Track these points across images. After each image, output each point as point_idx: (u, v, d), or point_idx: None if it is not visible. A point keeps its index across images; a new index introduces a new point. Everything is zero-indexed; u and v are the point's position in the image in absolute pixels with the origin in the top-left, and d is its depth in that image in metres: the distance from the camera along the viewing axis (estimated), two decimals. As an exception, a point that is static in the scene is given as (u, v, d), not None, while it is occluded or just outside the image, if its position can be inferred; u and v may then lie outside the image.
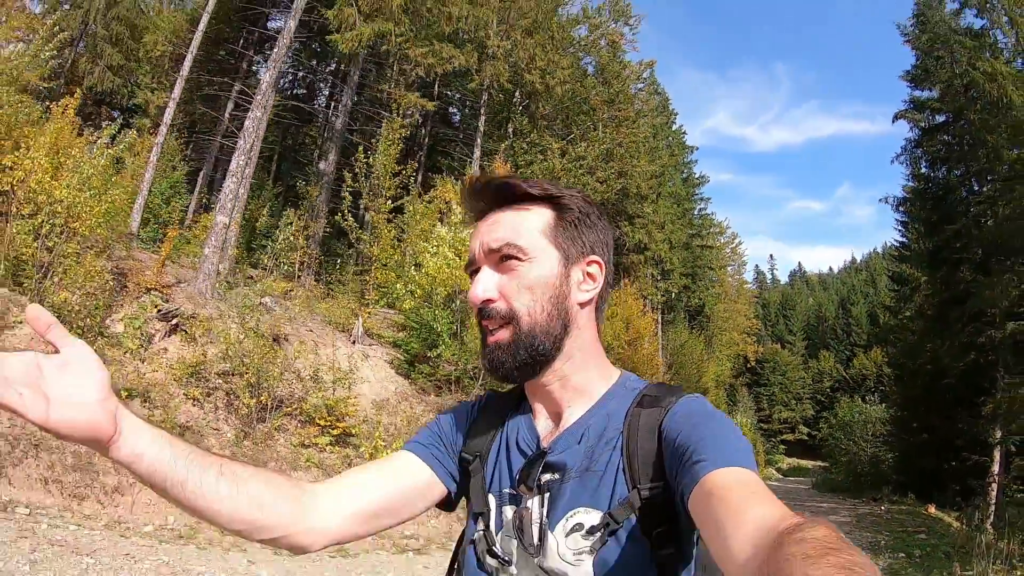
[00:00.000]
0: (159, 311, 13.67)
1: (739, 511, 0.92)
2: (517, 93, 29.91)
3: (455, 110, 35.41)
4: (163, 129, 20.76)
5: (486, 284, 1.32)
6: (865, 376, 65.31)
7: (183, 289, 15.30)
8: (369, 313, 17.52)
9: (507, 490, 1.37)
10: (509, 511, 1.34)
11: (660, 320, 40.38)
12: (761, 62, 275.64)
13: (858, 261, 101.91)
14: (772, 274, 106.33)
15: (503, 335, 1.31)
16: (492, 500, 1.39)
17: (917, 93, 29.85)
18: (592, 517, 1.22)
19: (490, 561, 1.36)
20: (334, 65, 31.38)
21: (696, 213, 51.16)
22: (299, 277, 19.89)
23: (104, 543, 8.56)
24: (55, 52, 17.21)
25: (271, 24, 29.07)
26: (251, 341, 13.26)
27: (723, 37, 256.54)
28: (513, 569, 1.32)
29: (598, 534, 1.20)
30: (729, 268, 58.13)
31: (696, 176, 51.66)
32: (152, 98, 26.05)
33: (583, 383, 1.36)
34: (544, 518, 1.27)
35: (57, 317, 5.99)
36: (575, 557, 1.22)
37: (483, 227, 1.36)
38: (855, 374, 68.46)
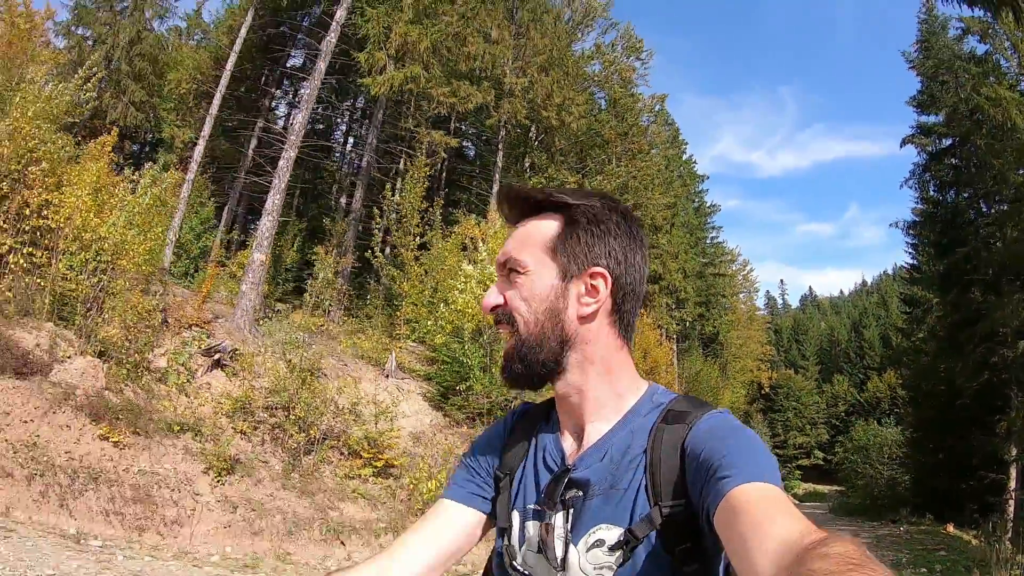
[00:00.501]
0: (205, 347, 14.17)
1: (762, 526, 0.94)
2: (533, 128, 30.49)
3: (469, 144, 36.00)
4: (193, 166, 21.50)
5: (492, 293, 1.39)
6: (879, 399, 64.76)
7: (222, 324, 15.80)
8: (400, 347, 17.97)
9: (531, 506, 1.39)
10: (532, 526, 1.36)
11: (675, 349, 40.72)
12: (766, 86, 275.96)
13: (869, 284, 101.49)
14: (783, 299, 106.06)
15: (510, 344, 1.36)
16: (516, 516, 1.42)
17: (924, 118, 30.15)
18: (613, 534, 1.24)
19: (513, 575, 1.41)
20: (350, 101, 32.11)
21: (708, 241, 51.60)
22: (328, 312, 20.40)
23: (181, 573, 8.98)
24: (94, 93, 17.78)
25: (291, 61, 29.87)
26: (295, 376, 13.75)
27: (727, 63, 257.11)
28: None
29: (619, 551, 1.22)
30: (741, 295, 58.29)
31: (708, 205, 52.19)
32: (178, 133, 26.88)
33: (603, 397, 1.36)
34: (568, 533, 1.29)
35: (103, 352, 8.58)
36: (596, 572, 1.24)
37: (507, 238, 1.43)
38: (869, 397, 67.83)
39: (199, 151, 21.98)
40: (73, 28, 30.59)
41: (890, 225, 32.17)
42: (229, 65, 22.91)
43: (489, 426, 1.66)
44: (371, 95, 23.22)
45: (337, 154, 33.66)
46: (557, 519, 1.31)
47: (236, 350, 14.51)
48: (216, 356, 14.12)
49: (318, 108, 33.47)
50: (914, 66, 30.49)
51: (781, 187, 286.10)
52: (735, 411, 43.26)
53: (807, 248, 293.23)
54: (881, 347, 72.14)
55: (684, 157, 48.69)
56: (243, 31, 23.82)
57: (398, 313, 19.64)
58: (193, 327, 14.77)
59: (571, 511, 1.30)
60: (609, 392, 1.36)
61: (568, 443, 1.41)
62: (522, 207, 1.42)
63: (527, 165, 31.21)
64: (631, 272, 1.37)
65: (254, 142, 26.83)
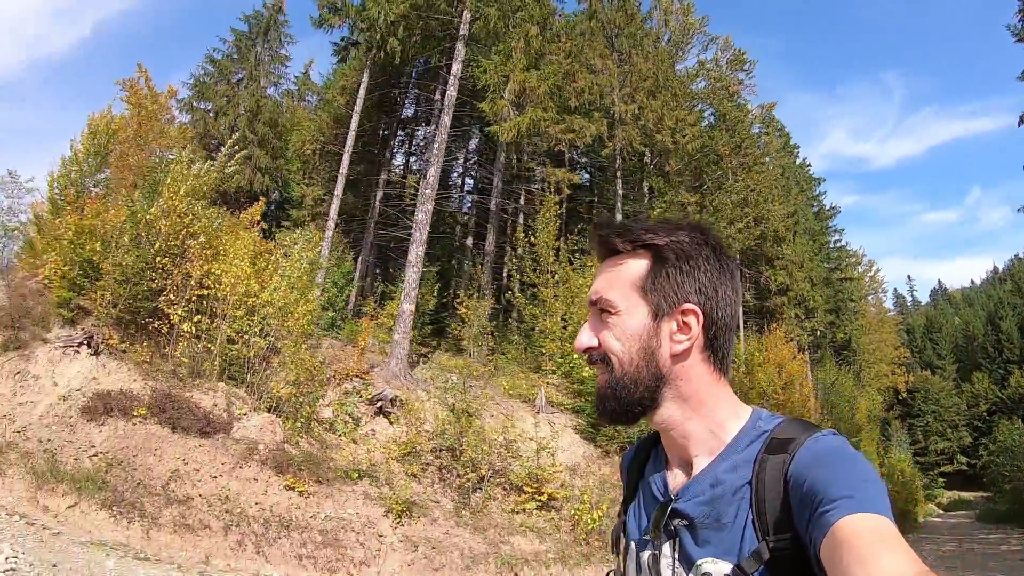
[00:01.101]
0: (371, 397, 14.76)
1: (869, 562, 0.92)
2: (647, 153, 30.55)
3: (585, 174, 36.26)
4: (330, 223, 22.43)
5: (585, 333, 1.38)
6: (1023, 395, 61.65)
7: (378, 373, 16.42)
8: (547, 383, 18.24)
9: (643, 536, 1.41)
10: (646, 556, 1.38)
11: (808, 360, 39.69)
12: (868, 74, 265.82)
13: (1001, 270, 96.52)
14: (912, 296, 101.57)
15: (602, 380, 1.36)
16: (632, 546, 1.45)
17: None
18: (721, 568, 1.22)
19: None
20: (463, 145, 32.86)
21: (832, 246, 50.35)
22: (472, 353, 20.91)
23: None
24: (238, 167, 18.81)
25: (404, 111, 30.92)
26: (459, 419, 14.20)
27: (824, 55, 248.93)
28: None
29: None
30: (870, 297, 56.41)
31: (827, 208, 50.96)
32: (307, 192, 28.08)
33: (700, 431, 1.35)
34: (675, 562, 1.30)
35: (273, 408, 9.56)
36: None
37: (598, 275, 1.42)
38: (1012, 394, 63.95)
39: (334, 209, 23.00)
40: (196, 103, 32.52)
41: (1019, 210, 30.36)
42: (353, 125, 23.91)
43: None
44: (497, 140, 23.70)
45: (455, 197, 34.40)
46: (665, 548, 1.33)
47: (397, 397, 15.04)
48: (379, 404, 14.68)
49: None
50: (1021, 38, 28.94)
51: (897, 177, 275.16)
52: (873, 419, 41.80)
53: (932, 239, 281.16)
54: (1020, 339, 68.44)
55: (798, 162, 47.78)
56: (362, 91, 24.76)
57: (541, 350, 19.92)
58: (353, 378, 15.40)
59: (677, 540, 1.31)
60: (706, 425, 1.35)
61: (674, 475, 1.41)
62: (611, 245, 1.40)
63: (646, 190, 31.24)
64: (722, 306, 1.36)
65: (379, 193, 27.80)
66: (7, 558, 7.86)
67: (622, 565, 1.49)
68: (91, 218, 14.35)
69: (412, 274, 18.40)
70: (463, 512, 13.14)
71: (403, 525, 12.12)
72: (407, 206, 28.15)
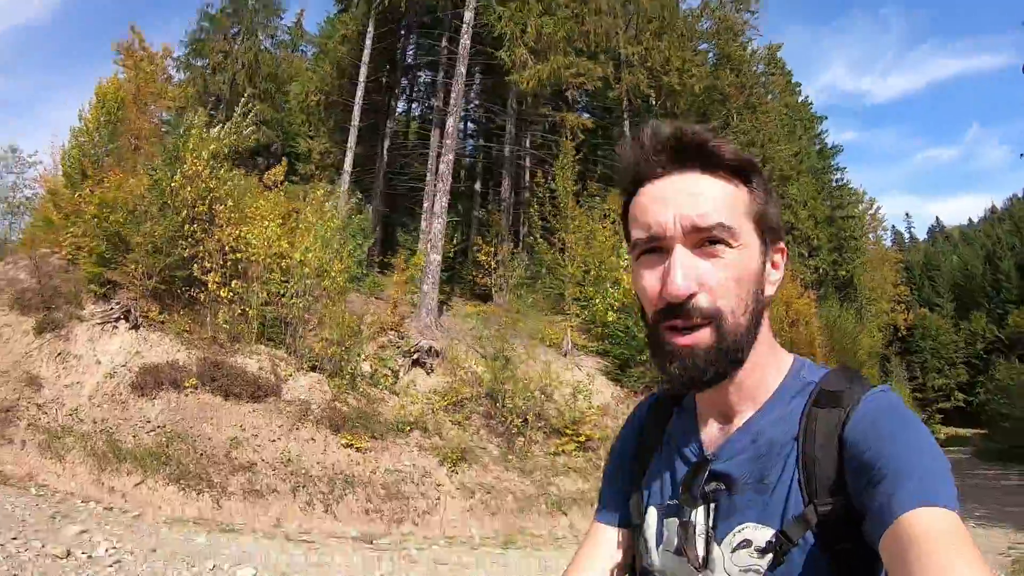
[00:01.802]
0: (412, 348, 14.87)
1: (939, 571, 0.84)
2: (654, 94, 30.31)
3: (585, 114, 36.04)
4: (345, 177, 22.48)
5: (689, 272, 1.08)
6: (1021, 335, 62.12)
7: (409, 325, 16.50)
8: (571, 327, 18.36)
9: (669, 501, 1.26)
10: (672, 523, 1.24)
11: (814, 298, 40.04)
12: (867, 6, 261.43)
13: (999, 209, 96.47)
14: (910, 232, 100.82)
15: (703, 338, 1.09)
16: (652, 513, 1.30)
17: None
18: (762, 534, 1.10)
19: (647, 571, 1.31)
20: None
21: (834, 184, 50.34)
22: (492, 299, 21.03)
23: (468, 558, 9.70)
24: (253, 127, 18.64)
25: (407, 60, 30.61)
26: (498, 366, 14.36)
27: None
28: None
29: (770, 555, 1.08)
30: (870, 236, 56.54)
31: (829, 147, 50.84)
32: (313, 145, 27.89)
33: (757, 382, 1.20)
34: (709, 530, 1.16)
35: (315, 367, 10.44)
36: (742, 574, 1.12)
37: (670, 193, 1.12)
38: (1010, 333, 64.36)
39: (348, 161, 23.11)
40: (192, 60, 32.06)
41: (1021, 155, 30.19)
42: (362, 76, 23.87)
43: (622, 426, 1.51)
44: (506, 85, 23.48)
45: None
46: (698, 515, 1.18)
47: (432, 347, 15.15)
48: (416, 355, 14.78)
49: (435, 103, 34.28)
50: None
51: (897, 112, 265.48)
52: (873, 356, 42.21)
53: (930, 175, 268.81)
54: (1018, 278, 68.83)
55: (800, 100, 47.56)
56: (368, 41, 24.56)
57: (564, 295, 19.99)
58: (388, 331, 15.47)
59: (713, 506, 1.17)
60: (763, 375, 1.20)
61: (708, 430, 1.25)
62: (712, 156, 1.12)
63: (652, 131, 31.09)
64: None
65: (387, 143, 27.56)
66: (107, 551, 8.02)
67: (638, 535, 1.32)
68: (114, 190, 14.21)
69: (437, 224, 18.55)
70: (509, 457, 13.47)
71: (457, 473, 12.44)
72: (415, 153, 28.01)
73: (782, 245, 1.21)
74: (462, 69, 19.56)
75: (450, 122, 19.34)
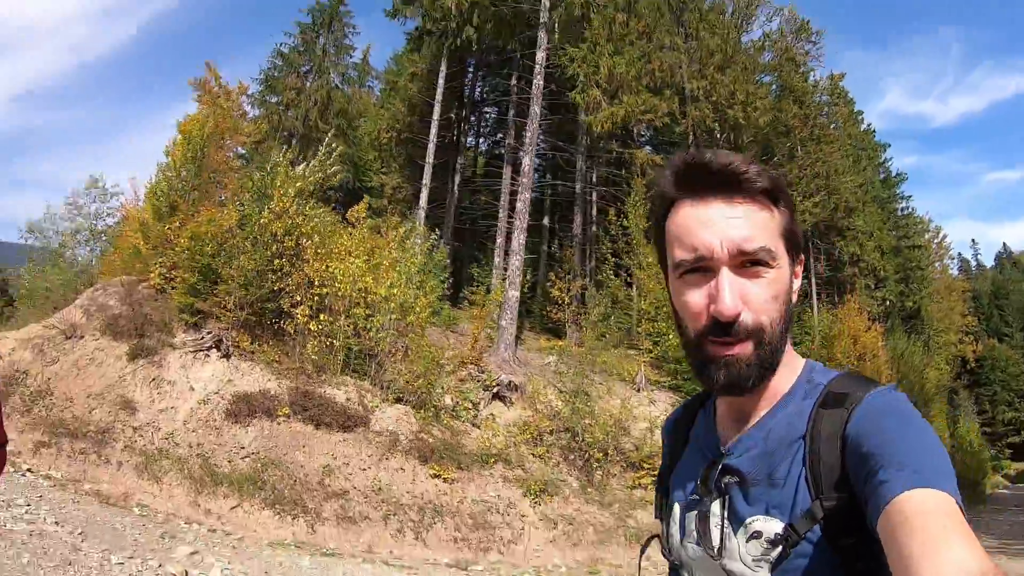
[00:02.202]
0: (494, 382, 15.21)
1: (935, 550, 0.86)
2: (717, 127, 30.45)
3: (649, 149, 36.22)
4: (421, 213, 23.03)
5: (735, 293, 1.16)
6: (1095, 366, 60.10)
7: (488, 359, 16.87)
8: (644, 362, 18.55)
9: (691, 496, 1.34)
10: (693, 516, 1.31)
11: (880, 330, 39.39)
12: (926, 29, 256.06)
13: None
14: (977, 259, 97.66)
15: (744, 349, 1.17)
16: (676, 508, 1.38)
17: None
18: (772, 526, 1.16)
19: (676, 566, 1.40)
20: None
21: (899, 212, 49.62)
22: (566, 334, 21.31)
23: None
24: (338, 166, 19.26)
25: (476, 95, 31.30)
26: (572, 400, 14.61)
27: (879, 10, 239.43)
28: (698, 574, 1.33)
29: (779, 547, 1.14)
30: (936, 264, 55.48)
31: (894, 175, 50.18)
32: (386, 180, 28.60)
33: (775, 384, 1.26)
34: (724, 520, 1.24)
35: (400, 397, 10.98)
36: (754, 564, 1.17)
37: (717, 217, 1.19)
38: (1083, 364, 62.81)
39: (424, 197, 23.70)
40: (267, 97, 33.16)
41: None
42: (436, 114, 24.57)
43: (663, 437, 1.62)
44: (596, 133, 23.87)
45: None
46: (713, 507, 1.26)
47: (512, 381, 15.48)
48: (496, 389, 15.11)
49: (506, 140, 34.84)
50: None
51: (959, 135, 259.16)
52: (940, 389, 41.17)
53: (995, 199, 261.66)
54: (1091, 306, 66.81)
55: (863, 128, 47.13)
56: (440, 80, 25.25)
57: (634, 330, 20.20)
58: (468, 365, 15.84)
59: (727, 498, 1.24)
60: (778, 377, 1.25)
61: (726, 428, 1.33)
62: (749, 183, 1.19)
63: (718, 167, 31.10)
64: None
65: (458, 178, 28.20)
66: (221, 572, 8.35)
67: (665, 530, 1.43)
68: (205, 224, 14.83)
69: (515, 261, 19.12)
70: (588, 489, 13.75)
71: (540, 504, 12.72)
72: (484, 189, 28.49)
73: (802, 256, 1.28)
74: (536, 109, 20.13)
75: (526, 161, 19.87)
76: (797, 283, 1.26)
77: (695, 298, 1.19)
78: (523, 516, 12.31)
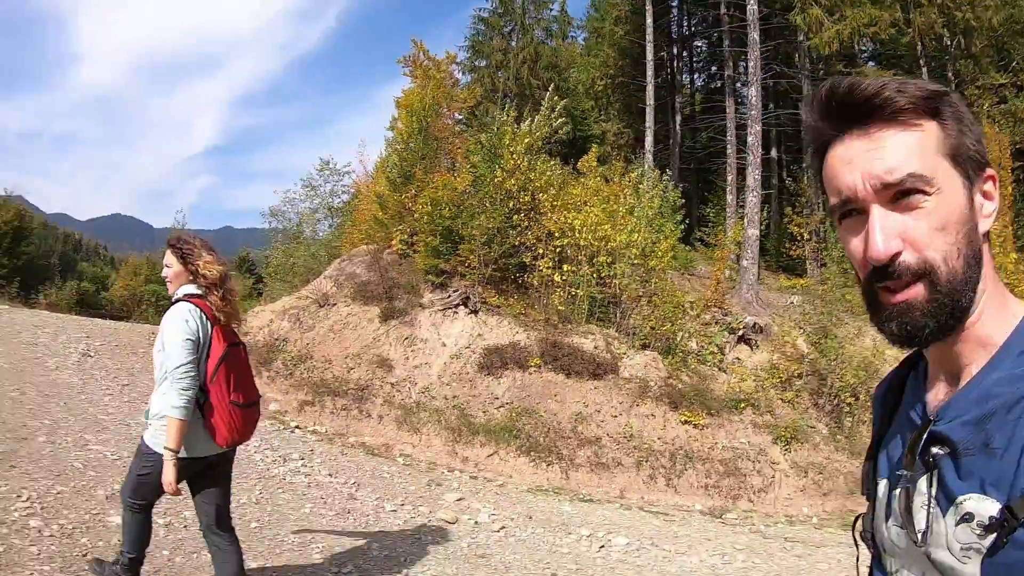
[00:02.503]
0: (742, 324, 15.09)
1: None
2: (946, 34, 27.98)
3: (873, 64, 33.94)
4: (648, 156, 23.08)
5: (889, 231, 1.04)
6: None
7: (730, 301, 16.76)
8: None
9: (897, 471, 1.17)
10: (897, 493, 1.15)
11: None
12: None
13: None
14: None
15: (916, 292, 1.04)
16: (883, 485, 1.24)
17: None
18: (986, 507, 0.97)
19: (879, 552, 1.25)
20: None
21: None
22: (806, 272, 20.75)
23: (808, 536, 10.14)
24: (564, 120, 19.52)
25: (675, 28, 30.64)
26: (822, 341, 14.21)
27: None
28: (898, 562, 1.18)
29: (993, 534, 0.95)
30: None
31: None
32: (607, 127, 28.70)
33: (983, 333, 1.09)
34: (931, 500, 1.06)
35: (646, 344, 11.54)
36: (962, 553, 0.99)
37: (856, 153, 1.09)
38: None
39: (649, 141, 23.73)
40: (476, 62, 33.91)
41: None
42: (649, 55, 24.35)
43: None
44: (819, 55, 22.87)
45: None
46: (920, 483, 1.09)
47: (757, 323, 15.26)
48: (741, 332, 14.97)
49: (711, 69, 33.85)
50: None
51: None
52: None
53: None
54: None
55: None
56: (649, 20, 24.92)
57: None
58: (712, 308, 15.78)
59: (936, 472, 1.05)
60: (989, 323, 1.09)
61: (935, 390, 1.17)
62: (889, 101, 1.06)
63: (951, 76, 28.67)
64: None
65: (678, 117, 27.83)
66: (490, 517, 8.85)
67: (871, 510, 1.28)
68: (442, 189, 15.59)
69: (752, 198, 18.69)
70: (838, 436, 13.39)
71: (791, 451, 12.54)
72: (705, 126, 27.93)
73: (990, 171, 1.12)
74: (755, 36, 19.38)
75: (752, 91, 19.30)
76: (991, 205, 1.11)
77: (854, 244, 1.10)
78: (774, 463, 12.19)
